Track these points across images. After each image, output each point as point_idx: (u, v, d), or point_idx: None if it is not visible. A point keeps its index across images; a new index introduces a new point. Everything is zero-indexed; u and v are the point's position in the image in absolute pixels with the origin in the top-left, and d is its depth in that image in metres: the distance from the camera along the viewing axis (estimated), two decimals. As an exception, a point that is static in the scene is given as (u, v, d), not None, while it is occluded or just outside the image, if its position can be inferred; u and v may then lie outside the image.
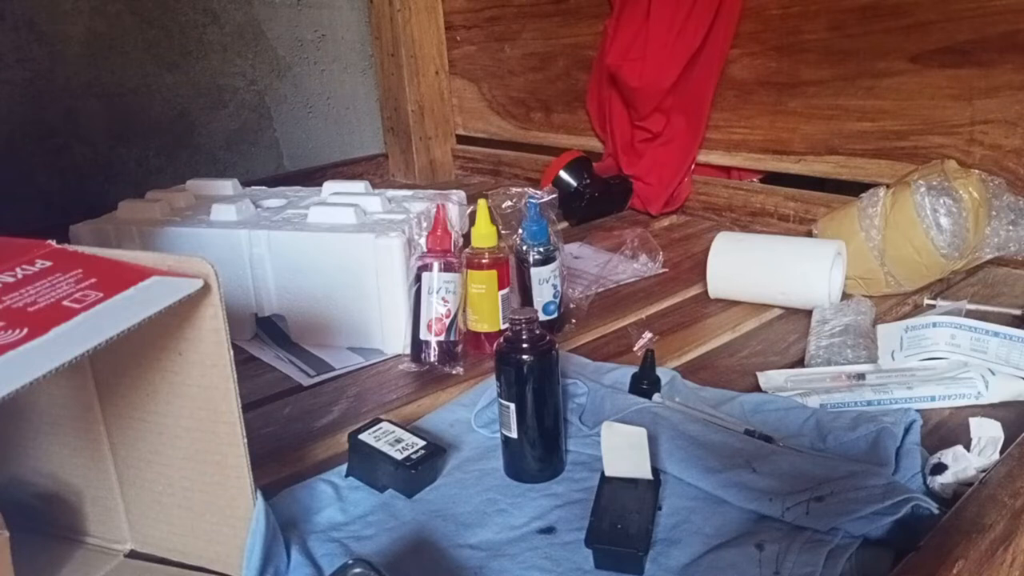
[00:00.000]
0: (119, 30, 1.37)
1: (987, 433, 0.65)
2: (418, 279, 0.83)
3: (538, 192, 0.91)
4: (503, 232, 0.89)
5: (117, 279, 0.49)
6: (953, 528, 0.52)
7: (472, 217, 0.88)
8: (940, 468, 0.61)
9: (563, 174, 1.32)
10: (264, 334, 0.96)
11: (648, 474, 0.60)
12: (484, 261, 0.86)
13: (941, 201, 0.91)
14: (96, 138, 1.38)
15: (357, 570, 0.48)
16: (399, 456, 0.65)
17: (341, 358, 0.89)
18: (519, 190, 0.93)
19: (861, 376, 0.76)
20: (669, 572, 0.55)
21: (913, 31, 1.07)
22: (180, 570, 0.58)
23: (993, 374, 0.73)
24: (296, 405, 0.81)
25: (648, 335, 0.91)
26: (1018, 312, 0.89)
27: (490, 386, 0.76)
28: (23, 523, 0.53)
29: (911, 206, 0.92)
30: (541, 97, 1.58)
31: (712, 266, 0.98)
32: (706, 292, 1.00)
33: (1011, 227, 0.94)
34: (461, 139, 1.75)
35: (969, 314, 0.83)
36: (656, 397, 0.75)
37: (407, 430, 0.68)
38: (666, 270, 1.11)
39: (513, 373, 0.64)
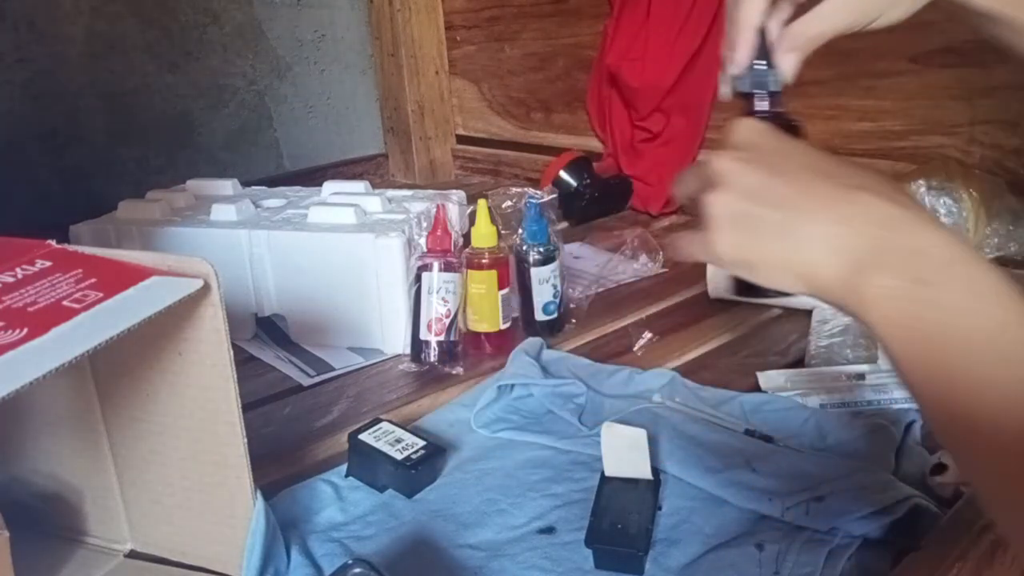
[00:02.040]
0: (119, 30, 1.37)
1: (987, 433, 0.65)
2: (418, 279, 0.83)
3: (538, 192, 0.91)
4: (503, 232, 0.89)
5: (117, 279, 0.49)
6: (953, 528, 0.53)
7: (472, 217, 0.88)
8: (940, 468, 0.61)
9: (563, 174, 1.32)
10: (264, 334, 0.96)
11: (648, 474, 0.60)
12: (484, 261, 0.86)
13: (941, 201, 0.91)
14: (96, 138, 1.38)
15: (357, 570, 0.48)
16: (399, 456, 0.65)
17: (341, 358, 0.89)
18: (519, 190, 0.93)
19: (861, 376, 0.76)
20: (669, 572, 0.55)
21: (913, 31, 1.06)
22: (180, 570, 0.58)
23: (993, 374, 0.73)
24: (296, 405, 0.81)
25: (648, 335, 0.91)
26: (1018, 312, 0.89)
27: (490, 386, 0.76)
28: (23, 523, 0.53)
29: (911, 206, 0.91)
30: (541, 97, 1.57)
31: (712, 266, 0.98)
32: (706, 292, 1.00)
33: (1011, 227, 0.94)
34: (461, 139, 1.75)
35: (969, 314, 0.83)
36: (656, 397, 0.75)
37: (407, 430, 0.68)
38: (666, 270, 1.11)
39: None
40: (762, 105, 0.55)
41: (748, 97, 0.56)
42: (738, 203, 0.44)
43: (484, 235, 0.86)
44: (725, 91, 0.58)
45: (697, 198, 0.47)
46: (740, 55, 0.56)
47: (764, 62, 0.56)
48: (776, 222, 0.43)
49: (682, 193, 0.50)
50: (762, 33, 0.56)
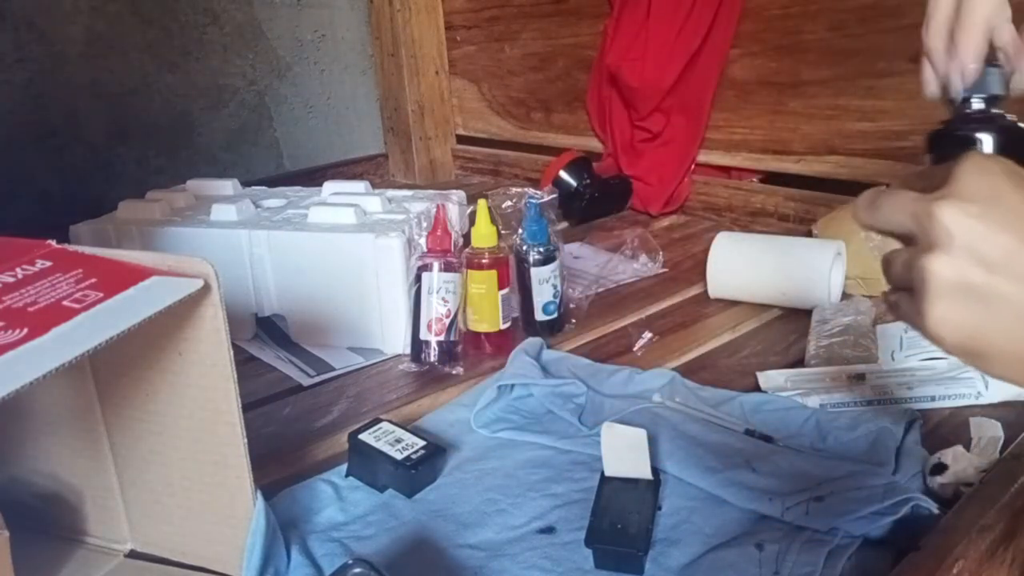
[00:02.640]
0: (119, 30, 1.37)
1: (987, 433, 0.65)
2: (418, 279, 0.83)
3: (538, 192, 0.92)
4: (503, 232, 0.89)
5: (117, 279, 0.49)
6: (953, 528, 0.52)
7: (472, 217, 0.88)
8: (940, 468, 0.61)
9: (563, 174, 1.32)
10: (264, 334, 0.96)
11: (648, 474, 0.60)
12: (484, 261, 0.86)
13: (941, 201, 0.91)
14: (96, 138, 1.38)
15: (357, 570, 0.48)
16: (399, 456, 0.65)
17: (341, 358, 0.89)
18: (519, 190, 0.93)
19: (861, 376, 0.76)
20: (669, 572, 0.55)
21: (913, 31, 1.05)
22: (180, 570, 0.58)
23: (993, 374, 0.73)
24: (296, 405, 0.81)
25: (648, 335, 0.91)
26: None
27: (490, 386, 0.76)
28: (23, 523, 0.53)
29: (911, 206, 0.91)
30: (541, 97, 1.57)
31: (712, 266, 0.98)
32: (706, 292, 1.00)
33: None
34: (461, 139, 1.75)
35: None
36: (656, 397, 0.75)
37: (407, 430, 0.68)
38: (666, 270, 1.11)
39: None
40: (978, 107, 0.47)
41: (963, 102, 0.47)
42: (970, 273, 0.35)
43: (484, 235, 0.86)
44: (932, 91, 0.49)
45: (905, 243, 0.38)
46: (970, 56, 0.46)
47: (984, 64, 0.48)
48: (1022, 304, 0.35)
49: (876, 225, 0.40)
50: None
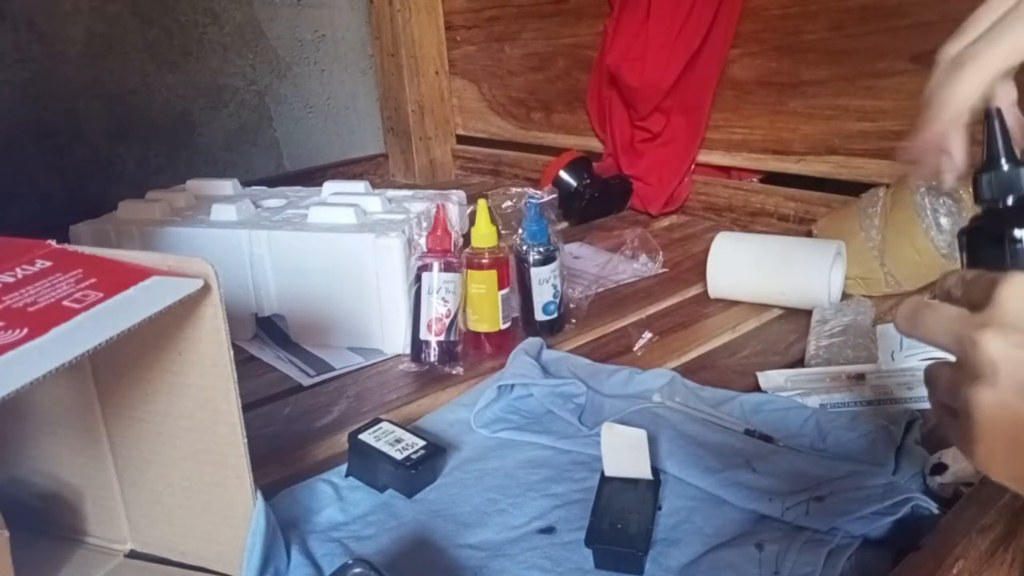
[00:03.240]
0: (119, 30, 1.37)
1: (987, 433, 0.65)
2: (418, 279, 0.83)
3: (538, 192, 0.92)
4: (503, 232, 0.89)
5: (117, 279, 0.49)
6: (953, 528, 0.53)
7: (472, 217, 0.88)
8: (940, 468, 0.61)
9: (563, 174, 1.33)
10: (264, 334, 0.96)
11: (648, 474, 0.60)
12: (484, 261, 0.86)
13: (941, 201, 0.91)
14: (96, 138, 1.38)
15: (357, 570, 0.48)
16: (399, 456, 0.65)
17: (341, 358, 0.89)
18: (519, 190, 0.93)
19: (861, 376, 0.76)
20: (669, 572, 0.55)
21: (913, 31, 1.07)
22: (180, 570, 0.58)
23: (993, 374, 0.73)
24: (296, 405, 0.81)
25: (648, 335, 0.91)
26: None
27: (490, 386, 0.76)
28: (23, 523, 0.53)
29: (911, 206, 0.92)
30: (541, 97, 1.57)
31: (712, 266, 0.98)
32: (706, 292, 1.00)
33: (1011, 227, 0.94)
34: (461, 139, 1.75)
35: (969, 314, 0.83)
36: (656, 397, 0.75)
37: (407, 430, 0.68)
38: (666, 270, 1.11)
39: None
40: (1011, 203, 0.44)
41: (995, 200, 0.45)
42: (1017, 407, 0.34)
43: (484, 235, 0.86)
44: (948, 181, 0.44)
45: (952, 359, 0.37)
46: (958, 154, 0.43)
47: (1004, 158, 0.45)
48: None
49: (917, 338, 0.39)
50: (998, 118, 0.46)
